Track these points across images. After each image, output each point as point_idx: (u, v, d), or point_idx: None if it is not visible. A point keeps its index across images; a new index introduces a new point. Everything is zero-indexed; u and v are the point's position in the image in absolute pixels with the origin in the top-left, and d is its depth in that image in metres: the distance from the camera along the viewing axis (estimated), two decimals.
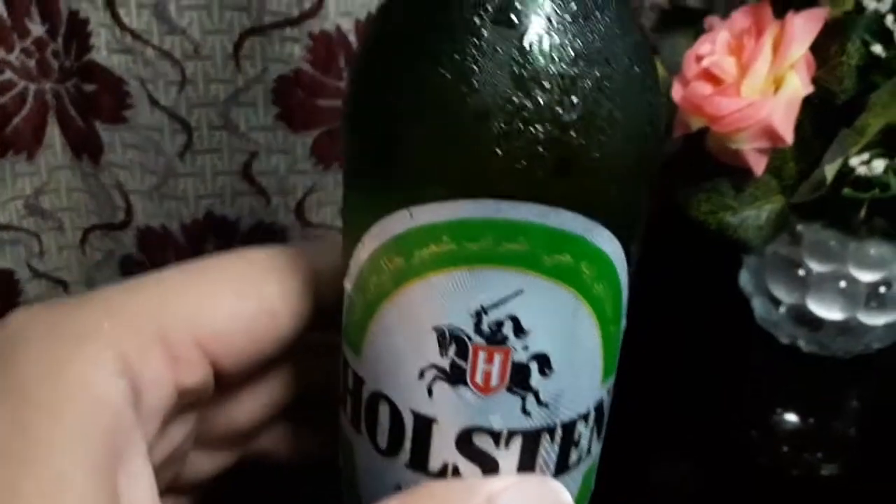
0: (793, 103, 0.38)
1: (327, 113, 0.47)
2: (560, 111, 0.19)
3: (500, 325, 0.20)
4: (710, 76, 0.40)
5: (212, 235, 0.50)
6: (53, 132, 0.48)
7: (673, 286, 0.50)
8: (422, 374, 0.21)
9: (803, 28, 0.38)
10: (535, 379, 0.21)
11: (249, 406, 0.26)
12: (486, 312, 0.20)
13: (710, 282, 0.49)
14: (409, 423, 0.22)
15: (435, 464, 0.22)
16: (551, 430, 0.22)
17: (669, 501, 0.38)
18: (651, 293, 0.49)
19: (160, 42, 0.44)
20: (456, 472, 0.22)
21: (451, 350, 0.21)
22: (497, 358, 0.21)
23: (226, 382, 0.24)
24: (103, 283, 0.52)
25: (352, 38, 0.46)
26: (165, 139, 0.46)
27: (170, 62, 0.44)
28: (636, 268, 0.22)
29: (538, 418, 0.22)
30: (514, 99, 0.19)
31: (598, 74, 0.19)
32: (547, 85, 0.19)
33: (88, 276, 0.52)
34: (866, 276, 0.42)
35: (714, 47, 0.40)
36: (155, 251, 0.50)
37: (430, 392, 0.21)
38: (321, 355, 0.25)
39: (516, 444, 0.22)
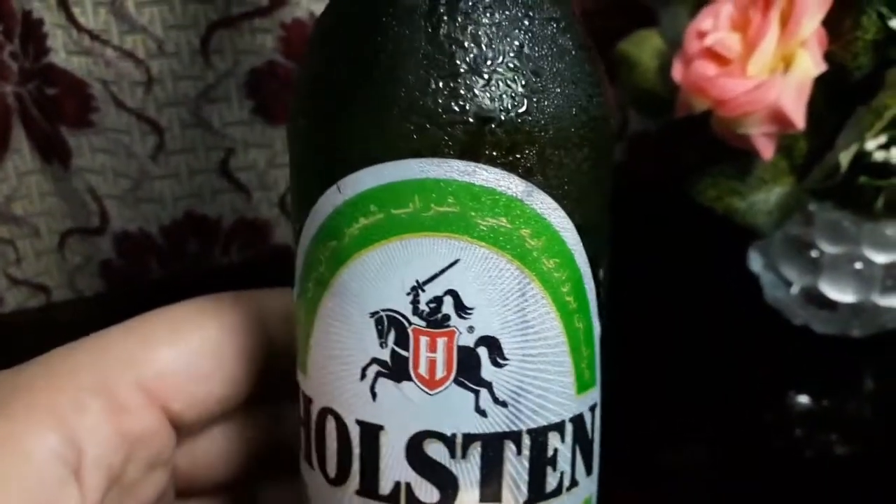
0: (804, 84, 0.35)
1: None
2: (477, 64, 0.18)
3: (439, 301, 0.18)
4: (713, 55, 0.37)
5: (192, 236, 0.48)
6: (20, 136, 0.45)
7: (679, 265, 0.48)
8: (364, 374, 0.19)
9: (814, 0, 0.35)
10: (488, 369, 0.19)
11: (224, 455, 0.25)
12: (422, 288, 0.18)
13: (717, 260, 0.48)
14: (355, 436, 0.20)
15: (386, 485, 0.19)
16: (516, 438, 0.19)
17: (683, 485, 0.37)
18: (656, 274, 0.48)
19: (120, 42, 0.41)
20: (410, 493, 0.19)
21: (391, 338, 0.19)
22: (440, 343, 0.18)
23: (188, 430, 0.24)
24: (85, 288, 0.51)
25: None
26: (135, 141, 0.44)
27: (133, 62, 0.42)
28: (612, 263, 0.21)
29: (497, 420, 0.19)
30: (428, 52, 0.18)
31: (511, 31, 0.18)
32: (461, 37, 0.18)
33: (70, 280, 0.50)
34: (882, 258, 0.40)
35: (717, 22, 0.37)
36: (134, 256, 0.48)
37: (373, 394, 0.19)
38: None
39: (475, 453, 0.19)
